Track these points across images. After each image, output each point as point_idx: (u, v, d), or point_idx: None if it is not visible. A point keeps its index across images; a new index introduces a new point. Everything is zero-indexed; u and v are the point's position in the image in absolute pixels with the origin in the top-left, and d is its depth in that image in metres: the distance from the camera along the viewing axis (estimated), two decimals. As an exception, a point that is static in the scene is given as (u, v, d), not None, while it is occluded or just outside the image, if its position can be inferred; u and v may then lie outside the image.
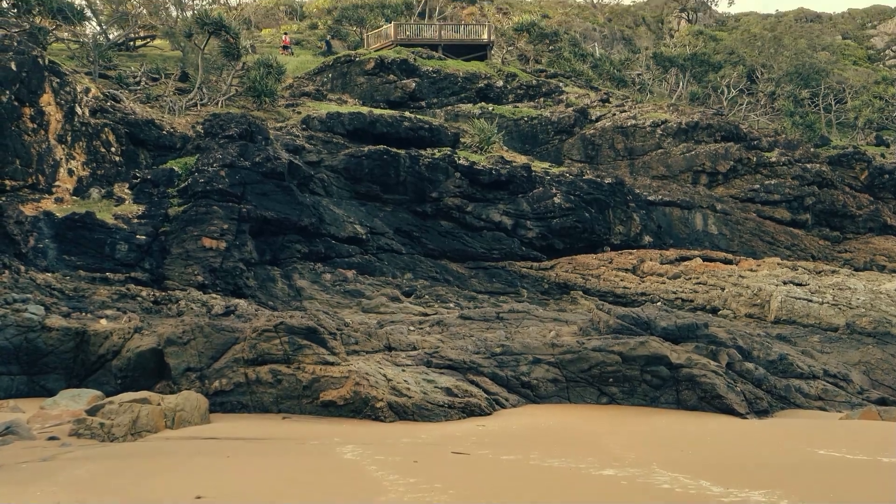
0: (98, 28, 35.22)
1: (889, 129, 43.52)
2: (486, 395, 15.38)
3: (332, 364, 14.85)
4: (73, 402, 14.40)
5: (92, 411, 13.15)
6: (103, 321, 17.90)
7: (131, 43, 35.79)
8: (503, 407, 15.42)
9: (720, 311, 24.44)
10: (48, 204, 22.19)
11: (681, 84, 42.72)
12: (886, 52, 56.62)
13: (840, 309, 22.96)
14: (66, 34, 32.26)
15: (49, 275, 20.71)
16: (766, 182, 32.35)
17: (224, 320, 17.54)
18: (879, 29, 59.47)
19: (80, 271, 21.27)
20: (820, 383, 17.56)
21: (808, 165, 33.11)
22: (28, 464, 10.17)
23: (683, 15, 61.57)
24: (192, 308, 20.23)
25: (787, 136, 35.73)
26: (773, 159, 32.84)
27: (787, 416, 15.99)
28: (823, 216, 32.83)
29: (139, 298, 20.79)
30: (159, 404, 13.52)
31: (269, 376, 15.02)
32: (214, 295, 21.67)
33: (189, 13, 38.08)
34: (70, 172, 23.14)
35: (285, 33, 44.14)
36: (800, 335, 21.87)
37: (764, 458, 10.68)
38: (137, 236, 22.44)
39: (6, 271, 20.07)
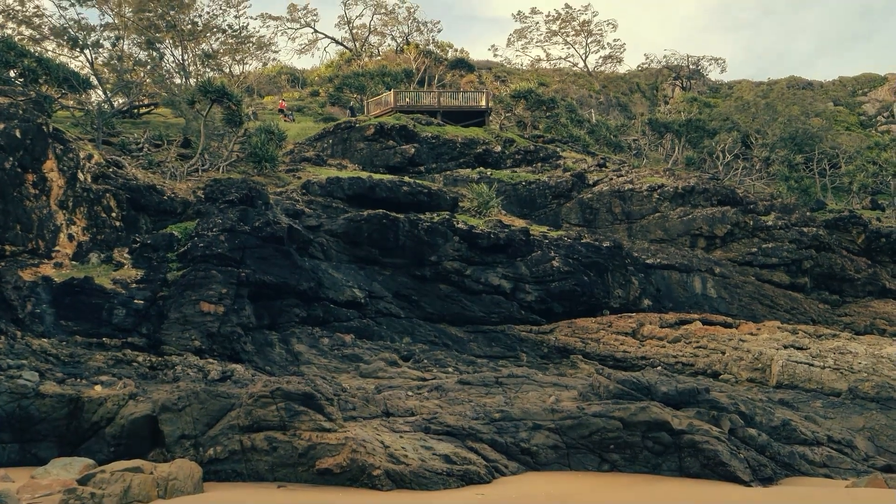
0: (103, 96, 35.91)
1: (883, 193, 43.95)
2: (485, 463, 15.10)
3: (328, 431, 14.62)
4: (64, 471, 14.12)
5: (83, 480, 12.88)
6: (98, 387, 17.71)
7: (135, 110, 36.43)
8: (503, 474, 15.12)
9: (721, 376, 24.21)
10: (47, 269, 22.20)
11: (676, 149, 43.33)
12: (878, 118, 57.66)
13: (842, 373, 22.75)
14: (71, 102, 32.85)
15: (45, 340, 20.58)
16: (764, 245, 32.50)
17: (220, 386, 17.34)
18: (870, 96, 60.73)
19: (76, 336, 21.15)
20: (824, 450, 17.25)
21: (805, 229, 33.30)
22: (15, 536, 9.91)
23: (677, 82, 62.90)
24: (188, 373, 20.03)
25: (783, 201, 36.08)
26: (770, 223, 33.06)
27: (792, 483, 15.66)
28: (822, 279, 32.87)
29: (135, 364, 20.61)
30: (152, 473, 13.26)
31: (265, 443, 14.77)
32: (211, 360, 21.48)
33: (192, 81, 38.87)
34: (70, 238, 23.23)
35: (283, 100, 45.23)
36: (802, 400, 21.60)
37: (769, 528, 10.43)
38: (135, 301, 22.37)
39: (2, 337, 19.95)
